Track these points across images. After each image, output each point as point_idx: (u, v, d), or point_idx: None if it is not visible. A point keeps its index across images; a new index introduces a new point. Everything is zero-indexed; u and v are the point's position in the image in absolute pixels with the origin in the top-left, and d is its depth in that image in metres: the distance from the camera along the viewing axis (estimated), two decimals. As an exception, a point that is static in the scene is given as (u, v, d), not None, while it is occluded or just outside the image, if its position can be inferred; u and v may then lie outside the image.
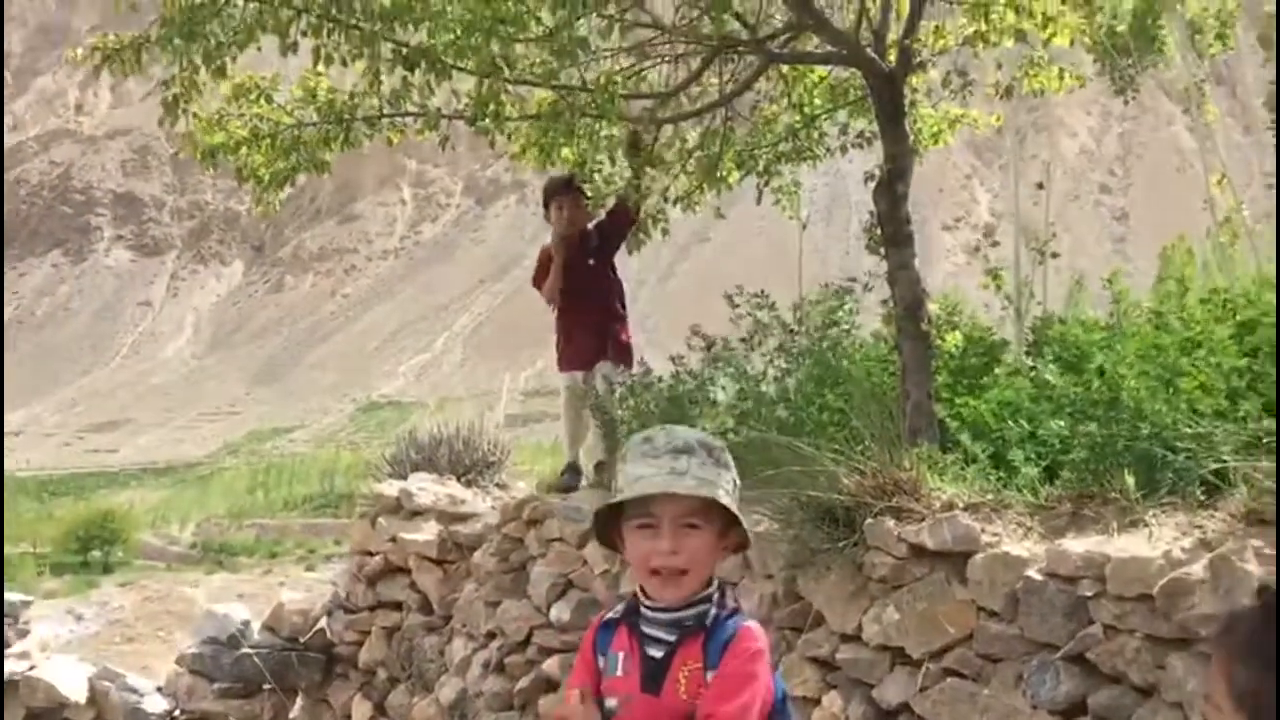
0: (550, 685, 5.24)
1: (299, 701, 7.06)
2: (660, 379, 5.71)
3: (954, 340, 4.90)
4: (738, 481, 2.38)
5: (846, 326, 5.35)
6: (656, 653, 2.32)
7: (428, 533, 6.59)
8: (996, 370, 5.21)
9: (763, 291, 5.46)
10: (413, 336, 73.60)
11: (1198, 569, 3.03)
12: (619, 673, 2.33)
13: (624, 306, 6.59)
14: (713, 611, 2.32)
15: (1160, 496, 3.54)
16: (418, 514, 6.79)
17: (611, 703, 2.34)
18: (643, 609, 2.36)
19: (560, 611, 5.21)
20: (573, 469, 6.19)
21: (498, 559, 5.83)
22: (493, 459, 7.47)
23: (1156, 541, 3.29)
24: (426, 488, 6.89)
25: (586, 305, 6.28)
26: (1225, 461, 3.49)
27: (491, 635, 5.74)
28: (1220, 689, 1.36)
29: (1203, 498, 3.50)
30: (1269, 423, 3.50)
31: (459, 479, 7.22)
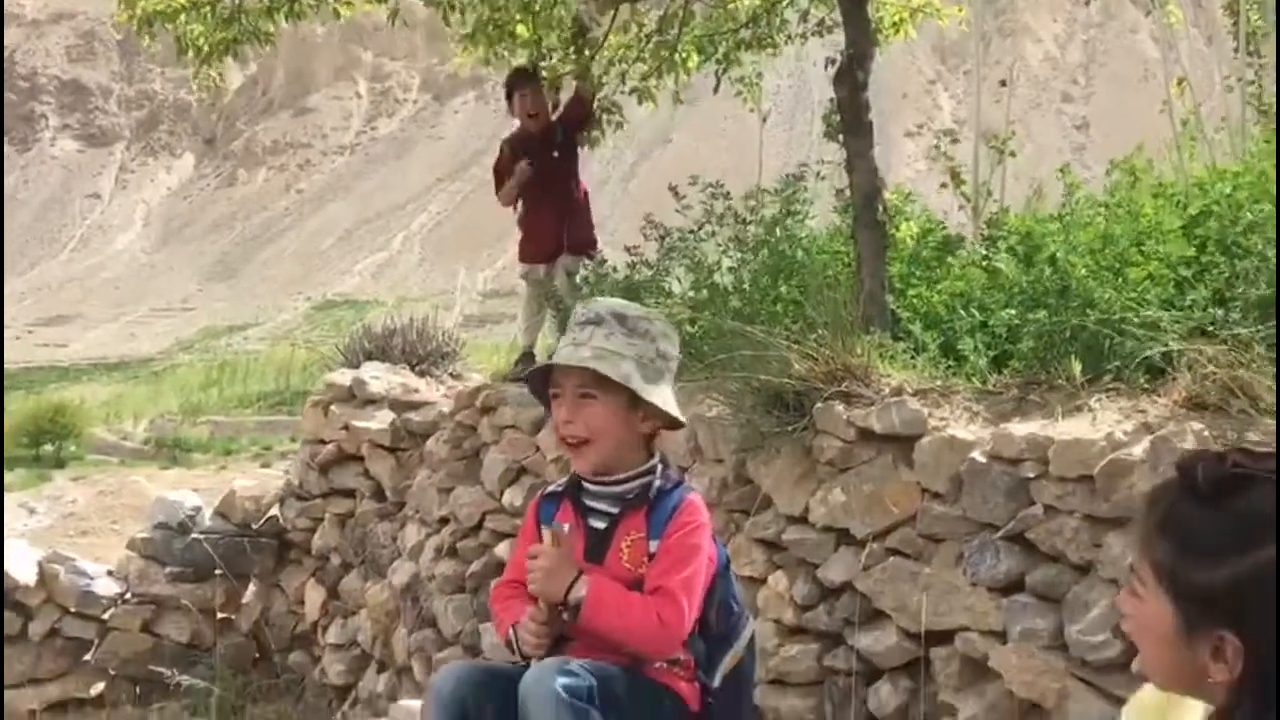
0: (502, 568, 5.29)
1: (251, 587, 7.11)
2: (615, 269, 5.68)
3: (909, 230, 4.90)
4: (664, 353, 2.37)
5: (801, 216, 5.32)
6: (599, 524, 2.34)
7: (381, 421, 6.58)
8: (950, 262, 5.23)
9: (718, 182, 5.41)
10: (369, 235, 72.71)
11: (1138, 450, 3.08)
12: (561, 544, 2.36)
13: (586, 199, 6.54)
14: (655, 483, 2.34)
15: (1105, 383, 3.58)
16: (371, 402, 6.78)
17: None
18: (584, 483, 2.38)
19: (513, 496, 5.24)
20: (528, 358, 6.18)
21: (451, 446, 5.84)
22: (447, 350, 7.45)
23: (1099, 425, 3.34)
24: (380, 376, 6.87)
25: (549, 199, 6.22)
26: (1169, 347, 3.53)
27: (444, 521, 5.77)
28: (1144, 565, 1.36)
29: (1145, 385, 3.55)
30: (1215, 311, 3.53)
31: (412, 369, 7.19)
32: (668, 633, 2.20)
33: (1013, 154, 6.79)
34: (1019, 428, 3.41)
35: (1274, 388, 3.14)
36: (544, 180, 6.21)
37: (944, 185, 6.28)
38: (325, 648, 6.68)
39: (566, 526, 2.35)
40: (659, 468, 2.35)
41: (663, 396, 2.31)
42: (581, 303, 2.44)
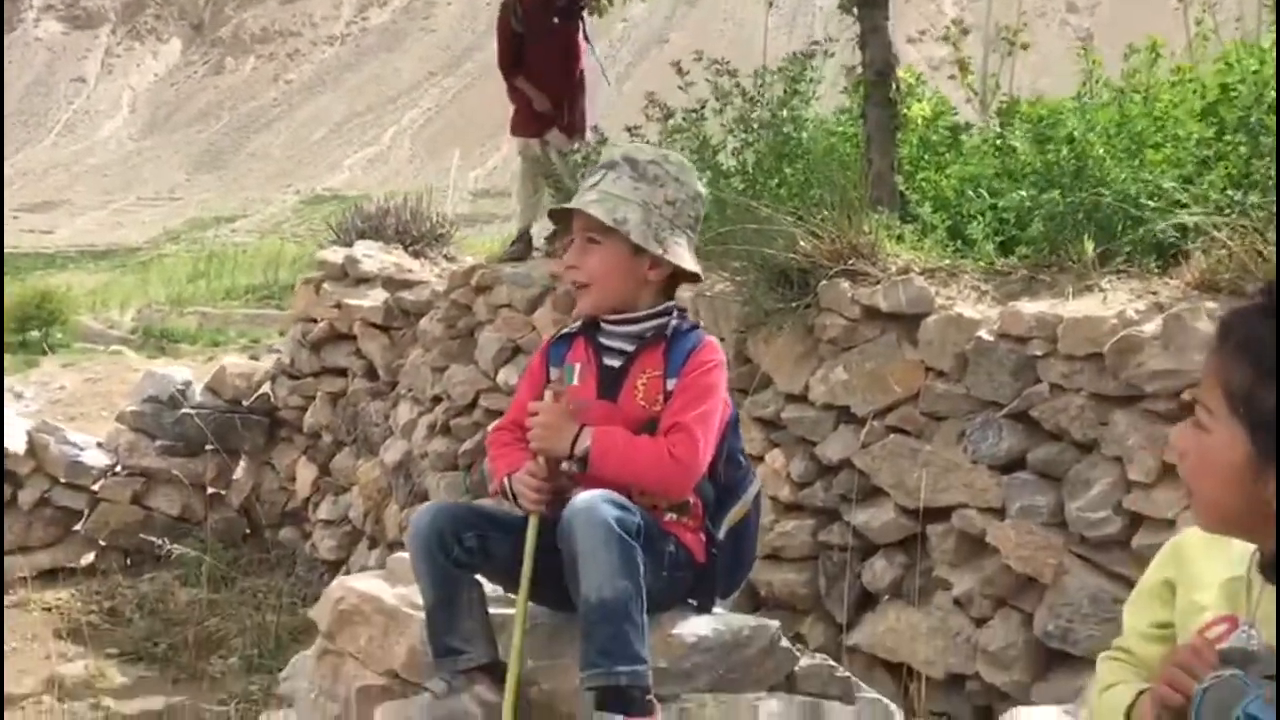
0: (495, 446, 5.27)
1: (242, 463, 7.09)
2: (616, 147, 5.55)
3: (920, 110, 4.79)
4: (674, 199, 2.27)
5: (808, 96, 5.19)
6: (614, 362, 2.29)
7: (373, 299, 6.51)
8: (962, 144, 5.14)
9: (724, 59, 5.27)
10: (359, 128, 71.64)
11: (1150, 328, 3.03)
12: (575, 381, 2.30)
13: (583, 80, 6.39)
14: (672, 323, 2.29)
15: (1116, 264, 3.53)
16: (363, 281, 6.70)
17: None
18: (602, 323, 2.32)
19: (507, 375, 5.20)
20: (524, 238, 6.09)
21: (445, 325, 5.78)
22: (441, 232, 7.34)
23: (1110, 304, 3.29)
24: (373, 255, 6.78)
25: (546, 67, 6.08)
26: (1183, 221, 3.47)
27: (437, 399, 5.73)
28: (1214, 394, 1.25)
29: (1156, 267, 3.50)
30: (1232, 193, 3.46)
31: (406, 249, 7.10)
32: (682, 469, 2.14)
33: (1024, 46, 6.65)
34: (1028, 306, 3.36)
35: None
36: (542, 46, 6.08)
37: (952, 77, 6.15)
38: (316, 524, 6.69)
39: (577, 367, 2.30)
40: (675, 310, 2.30)
41: (669, 245, 2.24)
42: (616, 145, 2.39)
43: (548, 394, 2.22)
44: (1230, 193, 3.46)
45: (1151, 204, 3.61)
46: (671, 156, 2.30)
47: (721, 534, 2.33)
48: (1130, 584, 3.05)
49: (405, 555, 2.67)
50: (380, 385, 6.45)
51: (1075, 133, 3.81)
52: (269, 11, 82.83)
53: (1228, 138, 3.50)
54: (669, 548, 2.16)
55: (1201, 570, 1.39)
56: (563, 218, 2.35)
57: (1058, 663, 3.13)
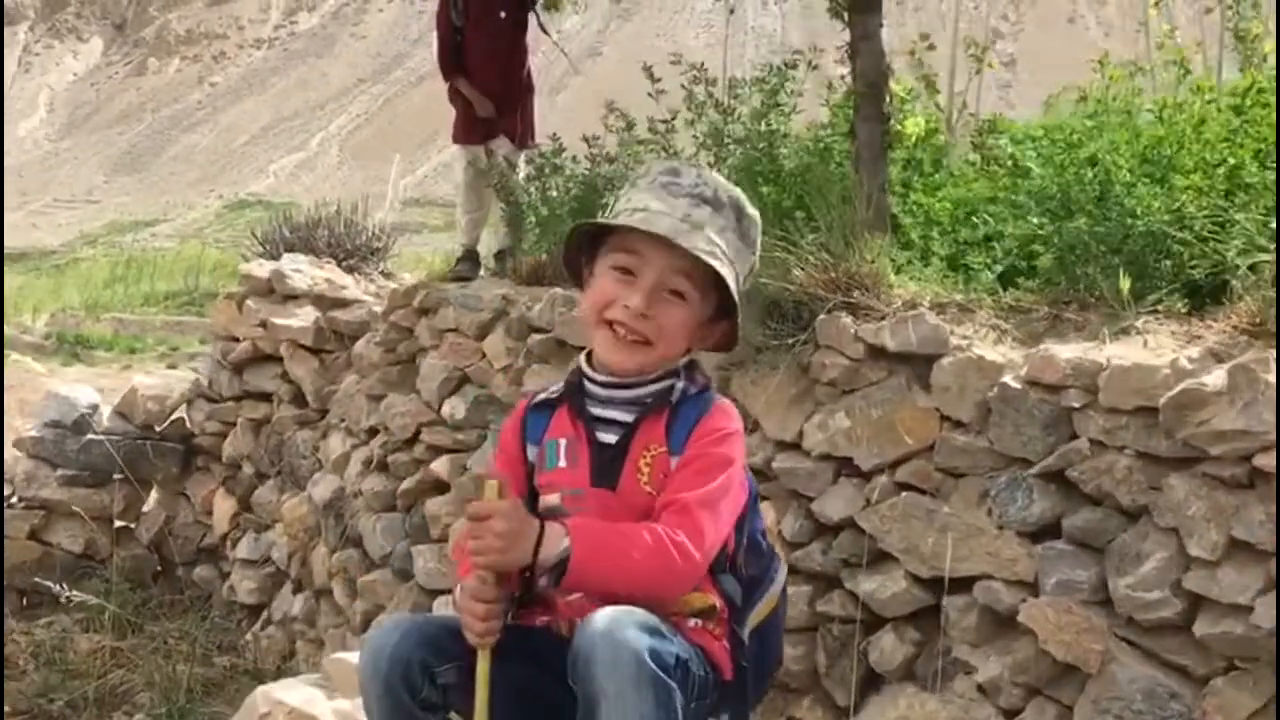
0: (439, 486, 4.77)
1: (153, 494, 6.49)
2: (576, 159, 5.10)
3: (915, 126, 4.40)
4: (757, 268, 1.90)
5: (787, 110, 4.78)
6: (609, 437, 1.81)
7: (303, 318, 5.97)
8: (955, 164, 4.77)
9: (701, 64, 4.84)
10: (286, 134, 70.47)
11: (1212, 380, 2.63)
12: (561, 463, 1.83)
13: (531, 83, 5.93)
14: (679, 385, 1.82)
15: (1150, 303, 3.14)
16: (291, 298, 6.16)
17: (552, 499, 1.83)
18: (590, 385, 1.85)
19: (454, 408, 4.70)
20: (470, 257, 5.61)
21: (383, 349, 5.26)
22: (377, 245, 6.81)
23: (1155, 350, 2.90)
24: (302, 270, 6.24)
25: (489, 68, 5.60)
26: (1228, 265, 3.10)
27: (374, 431, 5.21)
28: None
29: (1184, 307, 3.12)
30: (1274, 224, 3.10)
31: (339, 264, 6.56)
32: (684, 565, 1.68)
33: (991, 65, 6.33)
34: (1062, 350, 2.95)
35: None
36: (485, 44, 5.60)
37: (915, 97, 5.79)
38: (235, 563, 6.12)
39: (563, 444, 1.84)
40: (682, 370, 1.84)
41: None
42: (690, 165, 1.88)
43: (489, 487, 1.70)
44: (1273, 224, 3.10)
45: (1186, 235, 3.25)
46: (753, 211, 1.86)
47: (746, 636, 1.88)
48: (1191, 677, 2.67)
49: (345, 657, 2.17)
50: (309, 413, 5.91)
51: (1100, 153, 3.43)
52: (195, 13, 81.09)
53: (1261, 165, 3.13)
54: (699, 671, 1.69)
55: None
56: (584, 233, 1.87)
57: (1105, 765, 2.71)
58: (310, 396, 5.88)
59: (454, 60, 5.75)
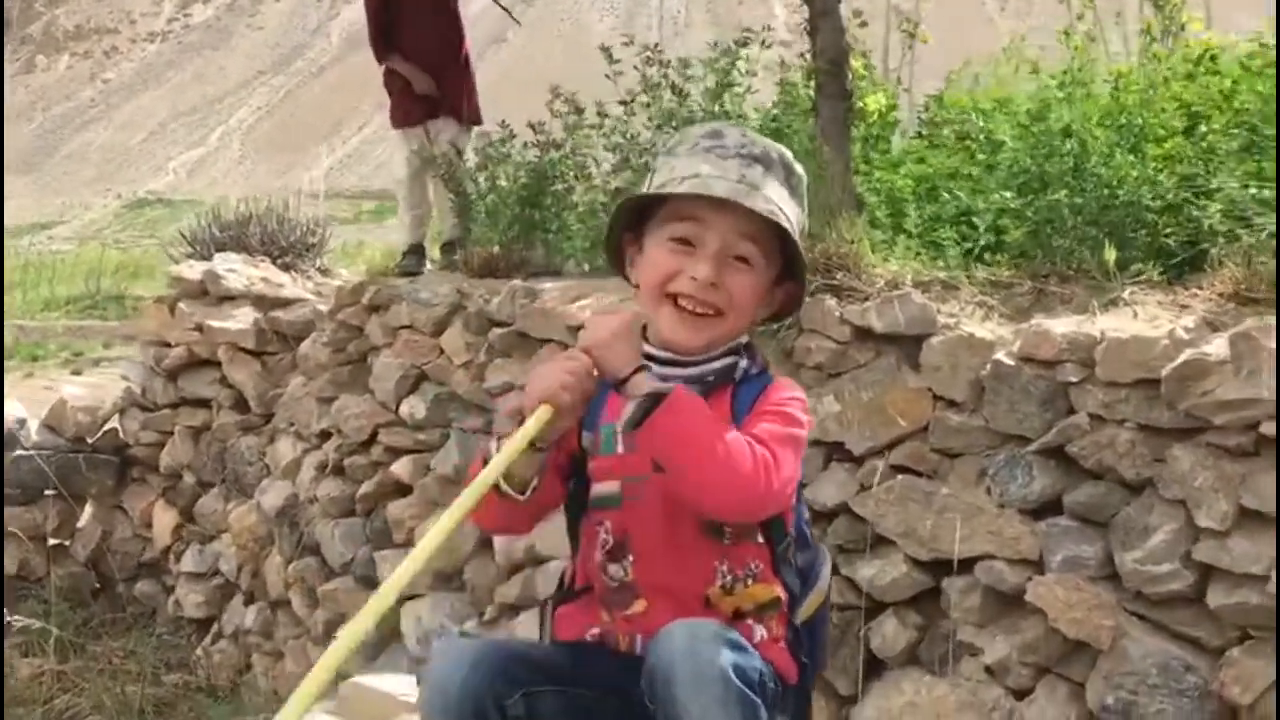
0: (400, 489, 4.63)
1: (88, 509, 6.22)
2: (526, 145, 4.97)
3: (876, 103, 4.35)
4: (807, 226, 1.81)
5: (741, 90, 4.71)
6: None
7: (242, 320, 5.76)
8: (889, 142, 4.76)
9: (656, 45, 4.74)
10: (184, 129, 68.77)
11: (1213, 349, 2.62)
12: (618, 448, 1.72)
13: (469, 60, 5.76)
14: (742, 364, 1.74)
15: (1132, 273, 3.14)
16: (228, 299, 5.93)
17: (610, 487, 1.73)
18: (653, 362, 1.75)
19: (413, 407, 4.55)
20: (416, 251, 5.43)
21: (332, 349, 5.08)
22: (313, 240, 6.60)
23: (1147, 320, 2.89)
24: (237, 269, 6.01)
25: (428, 38, 5.39)
26: (1205, 232, 3.11)
27: (326, 435, 5.04)
28: None
29: (1161, 276, 3.13)
30: (1256, 190, 3.10)
31: (274, 262, 6.34)
32: (766, 485, 1.56)
33: (924, 40, 6.35)
34: (1055, 324, 2.93)
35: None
36: (419, 17, 5.41)
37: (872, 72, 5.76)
38: (179, 576, 5.89)
39: (619, 429, 1.73)
40: (743, 348, 1.76)
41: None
42: (729, 125, 1.80)
43: (541, 412, 1.60)
44: (1255, 191, 3.11)
45: (1163, 204, 3.25)
46: (800, 168, 1.78)
47: (798, 622, 1.81)
48: (1206, 649, 2.66)
49: (361, 682, 2.05)
50: (252, 418, 5.70)
51: (1074, 124, 3.41)
52: (83, 7, 78.52)
53: (1262, 129, 3.14)
54: (772, 685, 1.60)
55: None
56: (632, 206, 1.76)
57: (1121, 741, 2.70)
58: (253, 401, 5.67)
59: (386, 39, 5.54)
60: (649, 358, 1.71)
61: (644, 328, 1.74)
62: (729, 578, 1.67)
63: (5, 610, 4.96)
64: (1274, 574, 2.47)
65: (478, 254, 4.86)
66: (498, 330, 4.26)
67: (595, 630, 1.70)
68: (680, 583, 1.66)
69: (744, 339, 1.76)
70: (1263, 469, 2.53)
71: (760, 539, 1.70)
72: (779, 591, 1.72)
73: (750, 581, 1.70)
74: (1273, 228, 2.92)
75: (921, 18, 6.23)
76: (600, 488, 1.73)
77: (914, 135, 5.10)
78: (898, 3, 6.97)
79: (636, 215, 1.75)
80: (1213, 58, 4.00)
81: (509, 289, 4.26)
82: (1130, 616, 2.71)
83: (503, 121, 5.05)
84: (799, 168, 1.75)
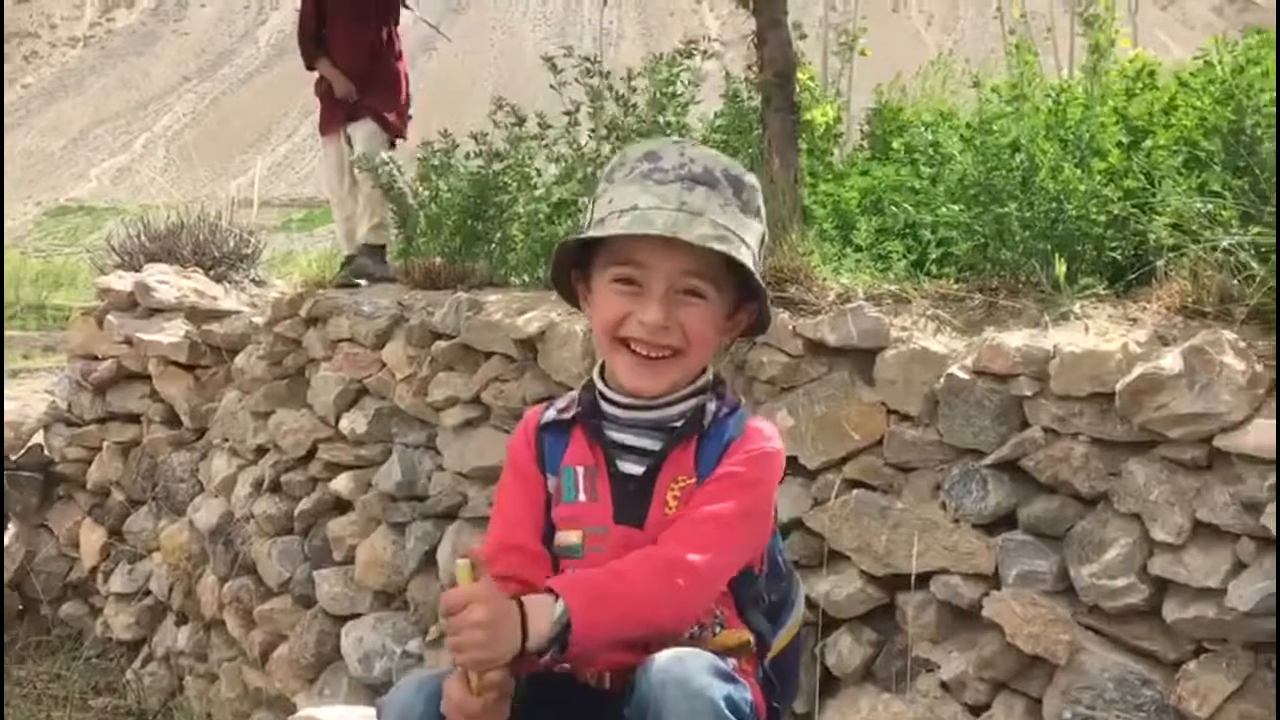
0: (340, 506, 4.52)
1: (11, 528, 6.01)
2: (468, 155, 4.89)
3: (823, 114, 4.35)
4: (768, 238, 1.72)
5: (686, 100, 4.68)
6: (634, 468, 1.64)
7: (173, 333, 5.61)
8: (838, 152, 4.78)
9: (594, 57, 4.70)
10: (107, 136, 67.53)
11: (1168, 364, 2.63)
12: (580, 496, 1.66)
13: (403, 71, 5.67)
14: (712, 407, 1.66)
15: (1080, 287, 3.16)
16: (158, 311, 5.77)
17: (572, 538, 1.65)
18: (607, 406, 1.69)
19: (353, 422, 4.45)
20: (372, 253, 5.32)
21: (268, 363, 4.96)
22: (246, 251, 6.45)
23: (1098, 334, 2.90)
24: (168, 281, 5.86)
25: (356, 50, 5.30)
26: (1152, 246, 3.13)
27: (262, 450, 4.91)
28: None
29: (1107, 290, 3.15)
30: (1201, 205, 3.13)
31: (206, 273, 6.19)
32: (689, 587, 1.52)
33: (863, 52, 6.39)
34: (1009, 338, 2.93)
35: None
36: (351, 20, 5.32)
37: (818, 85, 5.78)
38: (108, 597, 5.71)
39: (580, 474, 1.66)
40: (712, 388, 1.69)
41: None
42: (669, 143, 1.65)
43: (461, 568, 1.49)
44: (1200, 205, 3.14)
45: (1110, 217, 3.28)
46: (750, 177, 1.68)
47: (769, 668, 1.76)
48: (1162, 663, 2.66)
49: (315, 714, 1.98)
50: (184, 434, 5.55)
51: (1021, 138, 3.42)
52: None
53: (1204, 144, 3.17)
54: (752, 716, 1.56)
55: None
56: (569, 250, 1.68)
57: (1079, 756, 2.69)
58: (185, 416, 5.52)
59: (316, 42, 5.44)
60: (609, 401, 1.66)
61: (602, 367, 1.69)
62: (695, 628, 1.62)
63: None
64: (1250, 582, 2.46)
65: (420, 265, 4.77)
66: (441, 343, 4.18)
67: (564, 665, 1.64)
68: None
69: (711, 374, 1.70)
70: (1217, 482, 2.54)
71: (724, 589, 1.65)
72: (748, 635, 1.67)
73: (718, 629, 1.65)
74: (1219, 242, 2.94)
75: (861, 34, 6.29)
76: (563, 536, 1.66)
77: (857, 148, 5.14)
78: (831, 18, 7.02)
79: (581, 250, 1.67)
80: (1151, 74, 4.05)
81: (453, 300, 4.18)
82: (1086, 631, 2.71)
83: (444, 131, 4.97)
84: (749, 178, 1.66)
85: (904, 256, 3.64)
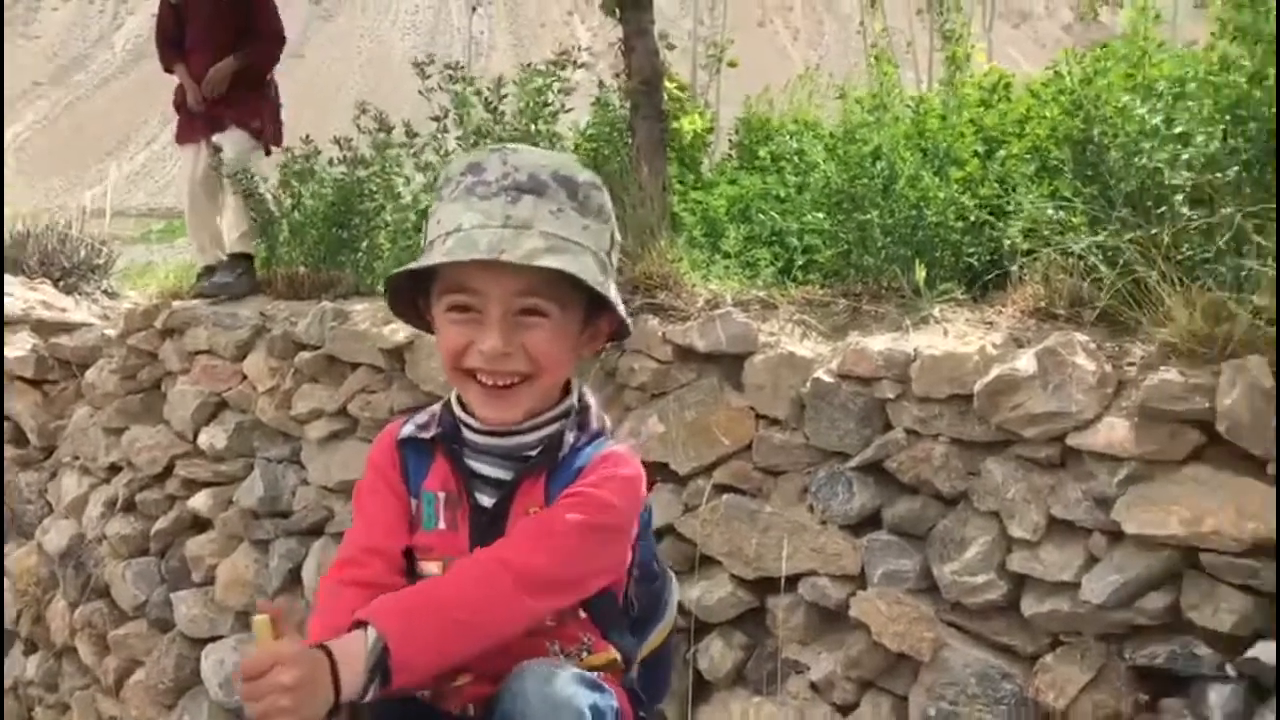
0: (199, 524, 4.36)
1: None
2: (332, 161, 4.78)
3: (691, 123, 4.37)
4: (618, 237, 1.63)
5: (555, 109, 4.65)
6: (487, 498, 1.58)
7: (19, 346, 5.34)
8: (707, 161, 4.82)
9: (458, 64, 4.64)
10: (-49, 143, 64.08)
11: (1024, 365, 2.71)
12: (440, 524, 1.59)
13: (270, 81, 5.50)
14: (570, 437, 1.58)
15: (939, 291, 3.23)
16: (3, 324, 5.48)
17: (432, 568, 1.58)
18: (466, 432, 1.60)
19: (212, 437, 4.30)
20: (212, 273, 5.14)
21: (121, 377, 4.77)
22: (98, 261, 6.20)
23: (957, 338, 2.97)
24: (14, 293, 5.58)
25: (217, 56, 5.10)
26: (1006, 252, 3.22)
27: (115, 468, 4.71)
28: None
29: (965, 294, 3.23)
30: (1053, 213, 3.24)
31: (55, 284, 5.92)
32: (516, 589, 1.44)
33: (732, 64, 6.49)
34: (872, 342, 2.98)
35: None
36: (211, 32, 5.13)
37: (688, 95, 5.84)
38: (-51, 627, 5.40)
39: (441, 499, 1.58)
40: (574, 410, 1.64)
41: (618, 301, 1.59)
42: (495, 151, 1.54)
43: (258, 625, 1.35)
44: (1052, 212, 3.24)
45: (965, 224, 3.37)
46: (585, 175, 1.58)
47: (634, 671, 1.74)
48: (1021, 656, 2.73)
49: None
50: (32, 452, 5.28)
51: (883, 147, 3.49)
52: None
53: (1055, 153, 3.27)
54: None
55: None
56: (402, 278, 1.57)
57: (944, 750, 2.74)
58: (32, 434, 5.26)
59: (173, 46, 5.24)
60: (468, 427, 1.59)
61: (459, 396, 1.61)
62: (562, 656, 1.57)
63: None
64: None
65: (282, 274, 4.65)
66: (305, 354, 4.07)
67: (425, 693, 1.58)
68: (509, 666, 1.49)
69: (576, 399, 1.63)
70: (1070, 479, 2.62)
71: (583, 614, 1.60)
72: (614, 655, 1.63)
73: (585, 654, 1.60)
74: (1069, 246, 3.04)
75: (729, 45, 6.37)
76: (424, 566, 1.59)
77: (725, 157, 5.19)
78: (700, 32, 7.10)
79: (417, 277, 1.57)
80: (1006, 86, 4.19)
81: (317, 310, 4.08)
82: (949, 628, 2.76)
83: (306, 137, 4.85)
84: (584, 175, 1.55)
85: (771, 263, 3.69)
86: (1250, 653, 2.32)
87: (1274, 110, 2.78)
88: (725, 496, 3.08)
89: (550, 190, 1.50)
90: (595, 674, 1.47)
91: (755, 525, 3.02)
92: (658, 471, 3.23)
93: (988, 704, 2.66)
